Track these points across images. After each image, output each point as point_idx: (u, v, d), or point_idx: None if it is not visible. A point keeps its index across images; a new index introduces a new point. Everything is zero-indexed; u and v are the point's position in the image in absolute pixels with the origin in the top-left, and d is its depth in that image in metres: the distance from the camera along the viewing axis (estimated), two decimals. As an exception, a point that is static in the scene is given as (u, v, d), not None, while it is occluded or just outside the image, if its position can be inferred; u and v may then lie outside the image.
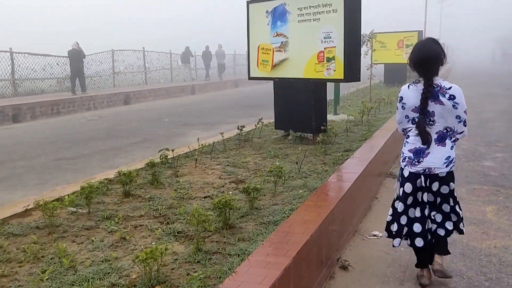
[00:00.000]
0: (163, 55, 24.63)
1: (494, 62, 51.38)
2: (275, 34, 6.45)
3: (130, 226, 3.26)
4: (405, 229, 3.10)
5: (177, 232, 3.10)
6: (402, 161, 3.07)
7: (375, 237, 4.00)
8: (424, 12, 33.50)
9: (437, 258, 3.06)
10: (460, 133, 2.95)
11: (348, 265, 3.40)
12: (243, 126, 6.56)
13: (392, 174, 5.92)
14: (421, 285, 3.10)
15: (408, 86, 3.02)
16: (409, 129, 3.04)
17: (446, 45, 43.38)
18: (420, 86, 2.91)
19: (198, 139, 5.65)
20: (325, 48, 5.84)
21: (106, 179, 4.26)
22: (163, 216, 3.48)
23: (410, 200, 3.06)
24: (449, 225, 3.07)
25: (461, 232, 3.16)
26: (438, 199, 3.03)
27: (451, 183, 3.02)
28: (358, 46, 5.82)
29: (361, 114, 7.72)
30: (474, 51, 67.76)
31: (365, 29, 12.11)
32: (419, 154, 2.97)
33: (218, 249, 2.79)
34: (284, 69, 6.44)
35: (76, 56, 15.52)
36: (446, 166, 2.94)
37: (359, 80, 5.83)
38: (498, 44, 57.22)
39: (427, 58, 2.90)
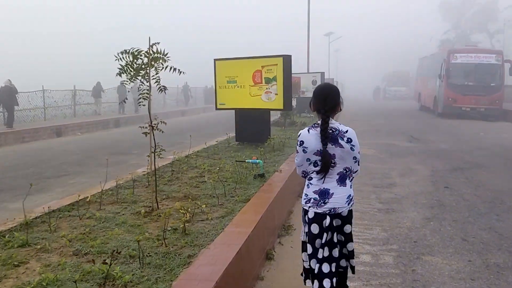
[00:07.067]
0: (67, 93, 23.67)
1: (384, 98, 49.54)
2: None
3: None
4: (316, 270, 3.09)
5: None
6: (306, 203, 3.09)
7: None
8: (306, 44, 28.13)
9: None
10: (355, 172, 3.08)
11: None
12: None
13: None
14: None
15: (308, 130, 3.06)
16: (312, 171, 3.07)
17: (335, 80, 39.74)
18: (320, 129, 3.00)
19: None
20: None
21: None
22: None
23: (318, 242, 3.04)
24: (352, 262, 3.15)
25: (354, 271, 3.20)
26: (342, 238, 3.08)
27: (351, 221, 3.12)
28: None
29: None
30: (361, 87, 66.03)
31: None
32: (324, 195, 3.02)
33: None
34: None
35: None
36: (348, 204, 3.05)
37: None
38: (383, 81, 56.14)
39: (330, 91, 3.03)
